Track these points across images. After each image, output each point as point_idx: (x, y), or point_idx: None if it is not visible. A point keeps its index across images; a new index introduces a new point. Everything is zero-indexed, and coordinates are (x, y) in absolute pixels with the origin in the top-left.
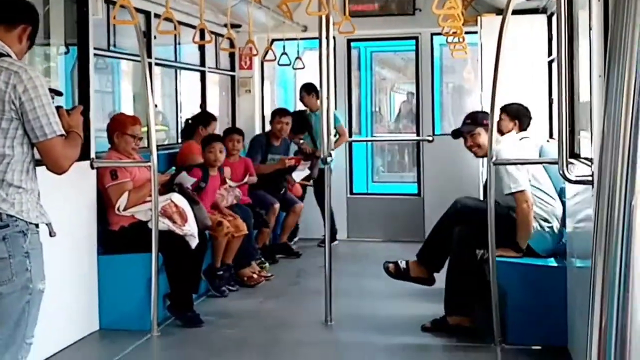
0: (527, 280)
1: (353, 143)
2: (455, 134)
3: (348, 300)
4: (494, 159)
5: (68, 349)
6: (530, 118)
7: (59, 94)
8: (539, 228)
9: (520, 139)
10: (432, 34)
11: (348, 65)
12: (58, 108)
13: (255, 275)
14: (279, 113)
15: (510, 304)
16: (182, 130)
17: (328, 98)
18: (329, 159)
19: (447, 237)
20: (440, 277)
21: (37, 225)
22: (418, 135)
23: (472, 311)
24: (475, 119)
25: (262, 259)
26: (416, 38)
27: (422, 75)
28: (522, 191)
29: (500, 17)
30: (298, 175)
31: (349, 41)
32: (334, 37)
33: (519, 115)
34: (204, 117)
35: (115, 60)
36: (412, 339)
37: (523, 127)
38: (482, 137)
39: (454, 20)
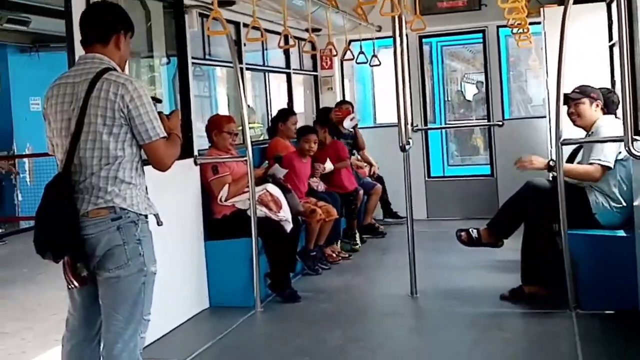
0: (598, 250)
1: (428, 131)
2: (564, 100)
3: (431, 274)
4: (561, 138)
5: (183, 325)
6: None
7: (159, 101)
8: (608, 207)
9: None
10: (498, 27)
11: (420, 60)
12: (158, 113)
13: (334, 255)
14: (342, 103)
15: (582, 272)
16: (267, 128)
17: (404, 91)
18: (407, 146)
19: (518, 211)
20: (516, 249)
21: (146, 216)
22: (489, 120)
23: (547, 280)
24: (584, 91)
25: (346, 240)
26: (483, 31)
27: (490, 65)
28: (606, 167)
29: (562, 7)
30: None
31: (420, 37)
32: (406, 35)
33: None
34: (282, 114)
35: (211, 67)
36: (492, 307)
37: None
38: (585, 108)
39: (518, 13)
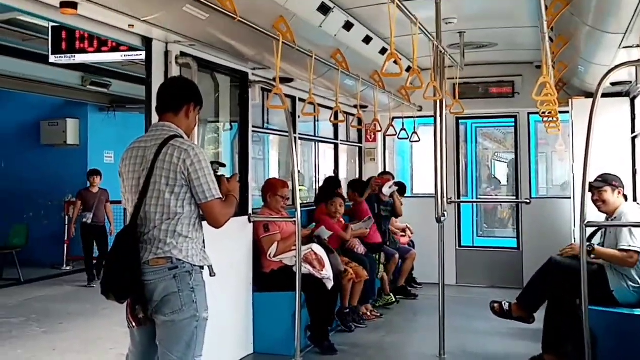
0: (616, 327)
1: (461, 204)
2: (588, 187)
3: (458, 337)
4: (586, 221)
5: None
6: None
7: (223, 165)
8: (626, 286)
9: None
10: (529, 113)
11: (456, 139)
12: (220, 177)
13: (368, 313)
14: (384, 174)
15: (601, 346)
16: (316, 196)
17: (442, 167)
18: (442, 218)
19: (543, 287)
20: (538, 319)
21: (201, 267)
22: (517, 197)
23: (566, 351)
24: (606, 179)
25: (379, 299)
26: (515, 116)
27: (521, 146)
28: (637, 252)
29: (588, 99)
30: (387, 191)
31: (457, 119)
32: (445, 116)
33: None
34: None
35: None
36: None
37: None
38: (608, 195)
39: (549, 104)
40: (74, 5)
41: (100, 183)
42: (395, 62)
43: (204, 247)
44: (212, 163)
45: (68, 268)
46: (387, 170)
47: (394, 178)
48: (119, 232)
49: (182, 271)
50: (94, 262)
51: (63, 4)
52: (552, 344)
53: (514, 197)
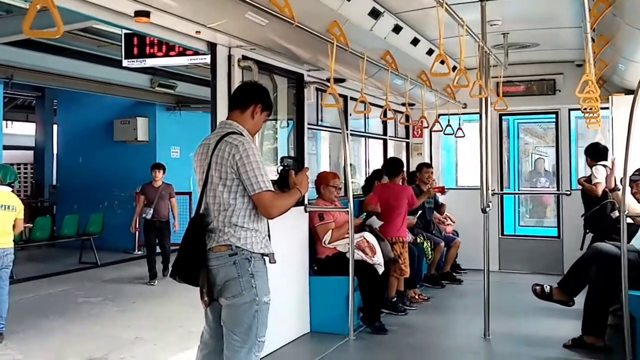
0: None
1: (504, 195)
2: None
3: (502, 319)
4: (626, 212)
5: (289, 345)
6: None
7: (294, 159)
8: None
9: None
10: (570, 109)
11: (500, 134)
12: (288, 170)
13: (416, 296)
14: (424, 165)
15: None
16: (362, 187)
17: (486, 160)
18: (487, 208)
19: (585, 272)
20: (578, 303)
21: (262, 255)
22: (558, 189)
23: (605, 333)
24: None
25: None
26: (556, 112)
27: (561, 141)
28: None
29: (629, 96)
30: (443, 198)
31: (500, 115)
32: (490, 113)
33: None
34: (377, 173)
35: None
36: (555, 353)
37: None
38: None
39: (591, 101)
40: (147, 14)
41: (163, 177)
42: (442, 62)
43: (268, 237)
44: (282, 158)
45: (139, 253)
46: (429, 163)
47: (432, 168)
48: (190, 220)
49: (242, 258)
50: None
51: (137, 13)
52: (592, 327)
53: (555, 189)
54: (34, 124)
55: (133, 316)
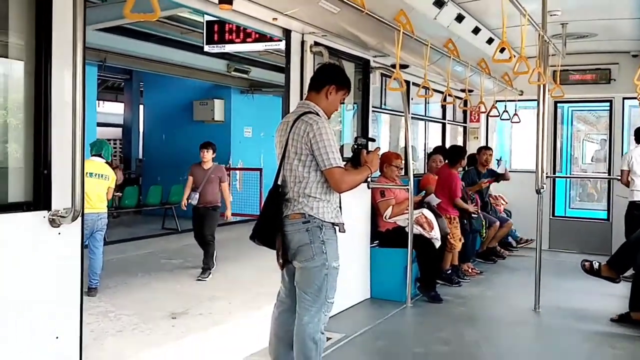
0: None
1: (556, 179)
2: None
3: (551, 294)
4: None
5: (350, 309)
6: None
7: (373, 140)
8: None
9: None
10: (624, 98)
11: (554, 120)
12: (360, 149)
13: (469, 270)
14: (484, 148)
15: None
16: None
17: (542, 145)
18: (541, 190)
19: (633, 252)
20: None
21: (333, 224)
22: (609, 174)
23: None
24: None
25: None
26: (610, 101)
27: (615, 128)
28: None
29: None
30: (502, 169)
31: (555, 102)
32: (547, 100)
33: None
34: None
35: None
36: (602, 327)
37: None
38: None
39: None
40: (230, 2)
41: (213, 157)
42: (502, 50)
43: (340, 208)
44: (356, 138)
45: None
46: (488, 145)
47: (491, 150)
48: (269, 190)
49: (314, 226)
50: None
51: (221, 0)
52: (638, 304)
53: (607, 174)
54: (122, 104)
55: (210, 277)
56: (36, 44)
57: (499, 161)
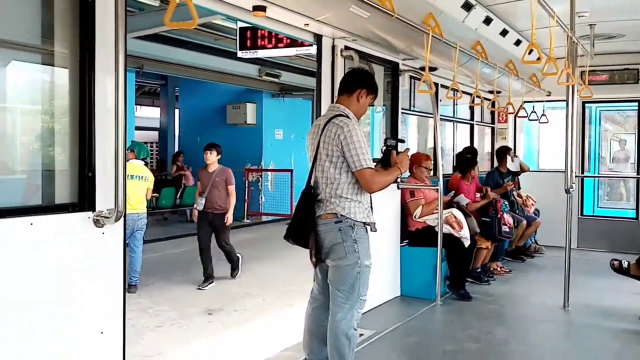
0: None
1: (584, 178)
2: None
3: (580, 292)
4: None
5: (381, 306)
6: None
7: (402, 141)
8: None
9: None
10: None
11: (582, 121)
12: (390, 150)
13: (498, 269)
14: (505, 148)
15: None
16: (453, 166)
17: (571, 145)
18: (571, 189)
19: None
20: None
21: (364, 224)
22: (638, 174)
23: None
24: None
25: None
26: (638, 100)
27: None
28: None
29: None
30: (514, 165)
31: (583, 103)
32: (575, 100)
33: None
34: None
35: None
36: (631, 325)
37: None
38: None
39: None
40: (264, 9)
41: (218, 159)
42: (530, 51)
43: (371, 208)
44: (386, 139)
45: (248, 221)
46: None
47: (511, 150)
48: (301, 191)
49: (346, 225)
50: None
51: (255, 8)
52: None
53: (636, 173)
54: (158, 108)
55: (243, 275)
56: (80, 53)
57: (511, 157)
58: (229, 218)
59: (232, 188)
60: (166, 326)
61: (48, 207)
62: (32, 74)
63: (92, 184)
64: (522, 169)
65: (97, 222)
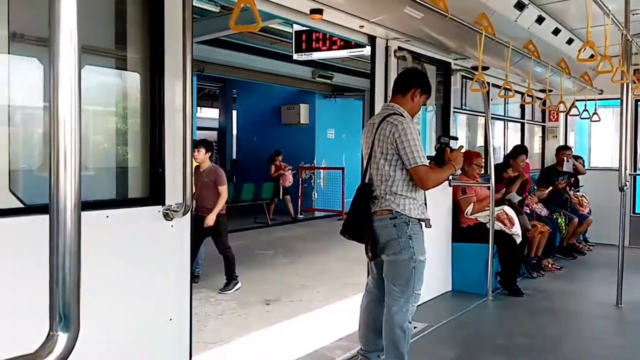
0: None
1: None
2: None
3: (633, 290)
4: None
5: (433, 300)
6: None
7: (455, 138)
8: None
9: None
10: None
11: (635, 118)
12: (444, 148)
13: (549, 265)
14: (563, 147)
15: None
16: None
17: (625, 143)
18: (625, 187)
19: None
20: None
21: (419, 220)
22: None
23: None
24: None
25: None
26: None
27: None
28: None
29: None
30: (569, 166)
31: (636, 101)
32: (630, 98)
33: None
34: (515, 151)
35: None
36: None
37: None
38: None
39: None
40: (320, 12)
41: (211, 157)
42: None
43: (425, 204)
44: (439, 137)
45: (301, 216)
46: (567, 145)
47: (569, 150)
48: (357, 187)
49: (401, 221)
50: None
51: (312, 11)
52: None
53: None
54: (217, 110)
55: (299, 267)
56: (150, 57)
57: (567, 157)
58: (210, 218)
59: (223, 189)
60: (227, 314)
61: (122, 201)
62: (106, 78)
63: (161, 179)
64: (578, 171)
65: (166, 216)
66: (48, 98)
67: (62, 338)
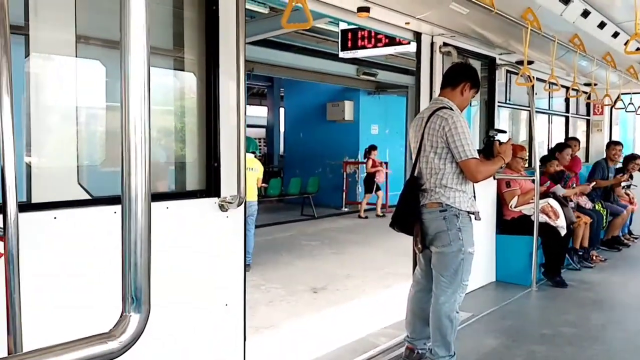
0: None
1: None
2: None
3: None
4: None
5: (477, 290)
6: None
7: (503, 131)
8: None
9: None
10: None
11: None
12: (493, 141)
13: (594, 257)
14: (614, 143)
15: None
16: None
17: None
18: None
19: None
20: None
21: (468, 212)
22: None
23: None
24: None
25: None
26: None
27: None
28: None
29: None
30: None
31: None
32: None
33: None
34: (560, 146)
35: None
36: None
37: None
38: None
39: None
40: (367, 10)
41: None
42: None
43: (474, 197)
44: (488, 130)
45: (346, 209)
46: (617, 140)
47: (620, 145)
48: (406, 181)
49: (450, 214)
50: None
51: (360, 9)
52: None
53: None
54: (265, 108)
55: (344, 257)
56: (206, 58)
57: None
58: None
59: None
60: (276, 301)
61: (180, 194)
62: (165, 79)
63: (217, 173)
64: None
65: (222, 207)
66: (120, 98)
67: (135, 319)
